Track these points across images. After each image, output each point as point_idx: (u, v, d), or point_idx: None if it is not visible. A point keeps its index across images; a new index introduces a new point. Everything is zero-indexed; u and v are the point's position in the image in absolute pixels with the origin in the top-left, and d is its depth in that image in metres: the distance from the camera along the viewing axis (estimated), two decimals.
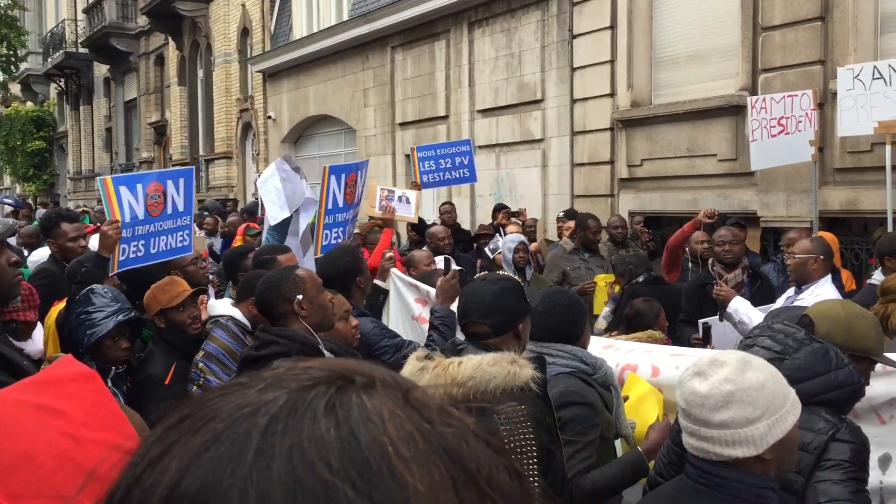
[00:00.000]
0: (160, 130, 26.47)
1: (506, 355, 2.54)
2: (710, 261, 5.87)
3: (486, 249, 7.61)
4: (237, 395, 0.54)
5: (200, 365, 3.63)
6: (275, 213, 5.72)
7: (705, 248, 6.59)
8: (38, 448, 1.12)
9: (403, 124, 14.48)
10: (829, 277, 4.75)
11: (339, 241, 5.69)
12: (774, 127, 6.82)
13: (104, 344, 3.60)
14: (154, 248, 4.96)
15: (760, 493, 1.92)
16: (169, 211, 5.05)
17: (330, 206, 5.70)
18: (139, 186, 4.89)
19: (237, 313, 4.03)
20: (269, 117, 19.00)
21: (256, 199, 12.63)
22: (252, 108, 20.01)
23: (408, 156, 14.21)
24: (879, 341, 2.72)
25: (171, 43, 24.38)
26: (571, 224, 8.43)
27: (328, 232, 5.67)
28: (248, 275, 4.53)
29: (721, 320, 4.60)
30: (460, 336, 2.99)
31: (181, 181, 5.16)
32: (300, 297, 3.09)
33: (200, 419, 0.53)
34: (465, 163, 8.66)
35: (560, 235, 8.51)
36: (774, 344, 2.51)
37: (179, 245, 5.07)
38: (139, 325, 3.90)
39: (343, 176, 5.87)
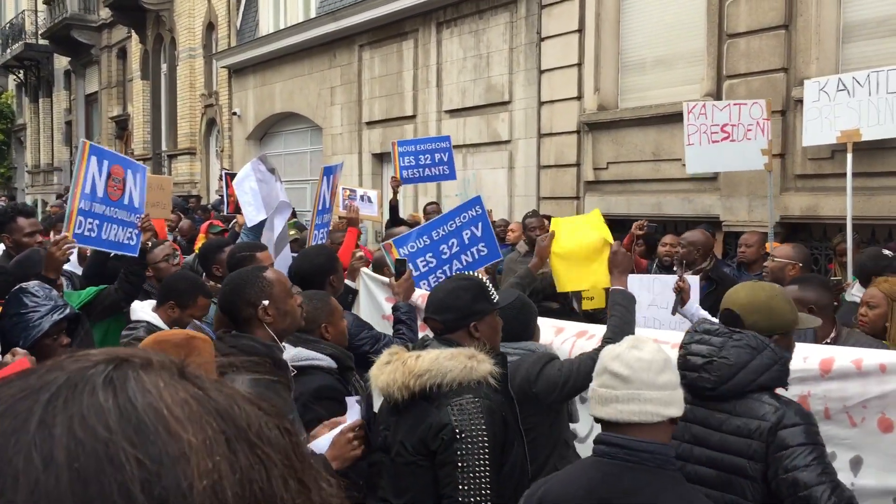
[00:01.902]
0: (122, 125, 26.07)
1: (465, 351, 2.68)
2: (680, 262, 6.00)
3: None
4: (20, 381, 0.56)
5: None
6: (251, 215, 5.66)
7: (666, 251, 6.75)
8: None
9: (370, 123, 14.43)
10: None
11: (324, 241, 5.67)
12: (716, 133, 6.95)
13: (44, 343, 3.39)
14: (105, 234, 4.84)
15: (669, 460, 2.16)
16: (125, 201, 4.96)
17: (320, 207, 5.68)
18: (105, 163, 4.80)
19: (155, 318, 3.98)
20: (234, 113, 18.82)
21: (220, 195, 12.53)
22: (217, 103, 19.80)
23: (375, 154, 14.21)
24: (794, 311, 2.87)
25: (135, 36, 24.02)
26: (515, 226, 8.52)
27: (317, 233, 5.64)
28: (168, 277, 4.47)
29: (673, 314, 4.67)
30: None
31: (138, 175, 5.08)
32: (266, 302, 2.85)
33: None
34: (445, 160, 8.66)
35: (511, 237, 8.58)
36: (702, 348, 2.67)
37: (126, 241, 4.96)
38: (77, 318, 3.78)
39: (331, 177, 5.86)
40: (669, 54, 9.39)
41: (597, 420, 2.27)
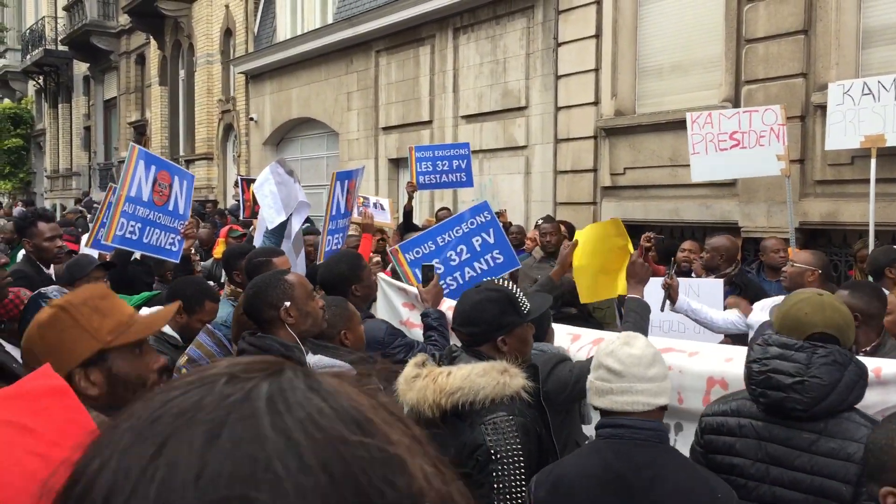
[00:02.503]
0: (140, 130, 26.25)
1: (497, 365, 2.59)
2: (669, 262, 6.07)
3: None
4: (215, 390, 0.57)
5: (183, 371, 3.60)
6: (272, 218, 5.69)
7: (684, 257, 6.77)
8: (4, 468, 1.06)
9: (387, 128, 14.46)
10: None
11: (339, 246, 5.68)
12: (724, 141, 6.93)
13: None
14: (147, 238, 4.91)
15: (667, 436, 2.54)
16: (170, 207, 5.03)
17: (333, 212, 5.70)
18: (153, 168, 4.87)
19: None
20: (252, 119, 18.90)
21: (237, 200, 12.59)
22: (234, 109, 19.90)
23: (391, 160, 14.23)
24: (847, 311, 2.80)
25: (153, 42, 24.20)
26: (533, 234, 8.49)
27: (330, 238, 5.65)
28: (174, 283, 4.50)
29: (661, 310, 4.69)
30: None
31: (185, 183, 5.14)
32: (287, 303, 2.95)
33: (179, 414, 0.55)
34: (463, 167, 8.67)
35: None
36: (788, 365, 2.52)
37: (168, 247, 5.04)
38: None
39: (346, 182, 5.88)
40: (687, 59, 9.35)
41: (595, 408, 2.57)
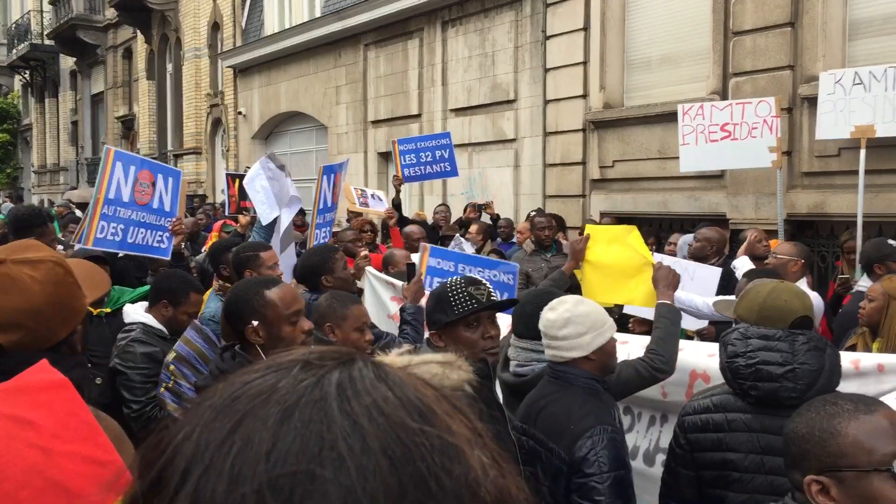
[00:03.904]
0: (128, 124, 26.13)
1: (441, 356, 2.46)
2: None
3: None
4: (288, 374, 0.61)
5: (171, 367, 3.57)
6: (264, 213, 5.67)
7: (672, 250, 6.81)
8: (5, 461, 1.07)
9: (376, 122, 14.43)
10: (804, 280, 4.92)
11: (327, 240, 5.67)
12: (715, 132, 6.95)
13: None
14: (131, 238, 4.89)
15: (588, 382, 2.83)
16: (154, 205, 5.01)
17: (321, 206, 5.68)
18: (132, 169, 4.85)
19: (149, 319, 3.98)
20: (240, 113, 18.84)
21: (224, 195, 12.55)
22: (222, 103, 19.82)
23: (381, 153, 14.21)
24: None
25: (140, 36, 24.07)
26: (522, 227, 8.50)
27: (318, 231, 5.64)
28: (158, 277, 4.49)
29: None
30: None
31: (170, 180, 5.12)
32: (255, 323, 2.67)
33: (256, 395, 0.59)
34: (446, 156, 8.67)
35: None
36: (774, 355, 2.55)
37: (156, 244, 5.02)
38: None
39: (332, 176, 5.86)
40: (675, 52, 9.36)
41: None
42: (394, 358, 2.53)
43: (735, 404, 2.65)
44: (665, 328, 3.40)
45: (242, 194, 9.48)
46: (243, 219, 8.89)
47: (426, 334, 3.17)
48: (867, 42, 7.60)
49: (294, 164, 16.65)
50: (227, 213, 10.86)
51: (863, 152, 6.57)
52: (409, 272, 4.65)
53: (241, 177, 9.90)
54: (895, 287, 3.85)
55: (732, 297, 4.90)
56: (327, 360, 0.62)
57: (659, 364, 3.24)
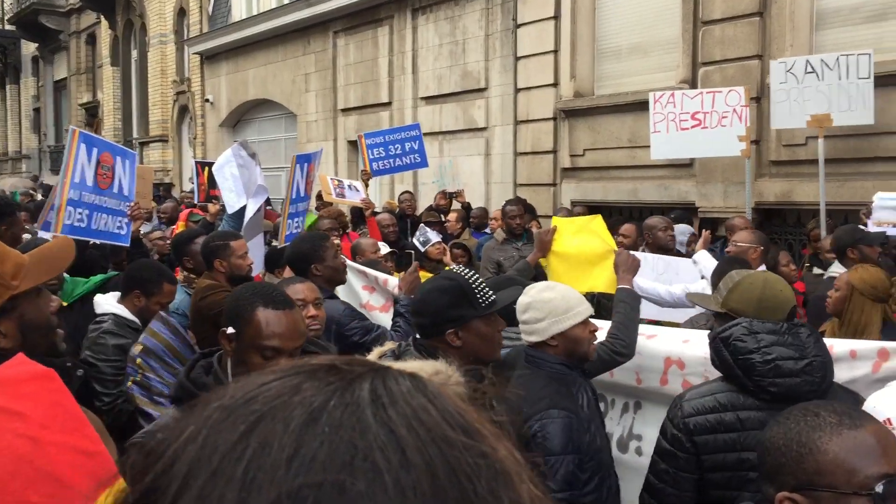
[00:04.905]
0: (92, 111, 25.69)
1: (429, 366, 2.30)
2: (642, 249, 6.10)
3: (415, 241, 7.22)
4: (315, 376, 0.55)
5: (138, 361, 3.49)
6: (232, 201, 5.59)
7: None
8: None
9: (346, 110, 14.33)
10: (763, 267, 4.95)
11: (299, 230, 5.62)
12: (686, 120, 7.00)
13: None
14: (95, 224, 4.79)
15: (555, 367, 2.86)
16: (115, 189, 4.90)
17: (294, 196, 5.62)
18: (95, 151, 4.74)
19: (121, 310, 3.92)
20: (207, 100, 18.61)
21: (193, 184, 12.40)
22: (189, 90, 19.56)
23: (351, 142, 14.12)
24: None
25: (104, 22, 23.64)
26: (497, 213, 8.50)
27: (290, 222, 5.58)
28: (131, 266, 4.42)
29: None
30: None
31: (127, 162, 5.02)
32: (230, 330, 2.30)
33: (276, 396, 0.53)
34: (416, 148, 8.64)
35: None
36: (787, 350, 2.47)
37: (116, 230, 4.92)
38: None
39: (306, 165, 5.80)
40: (645, 41, 9.40)
41: None
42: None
43: (745, 402, 2.51)
44: (625, 313, 3.44)
45: (212, 182, 9.37)
46: (213, 207, 8.79)
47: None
48: (834, 32, 7.69)
49: (262, 153, 16.43)
50: (196, 202, 10.71)
51: (821, 142, 6.65)
52: (404, 262, 4.59)
53: (211, 164, 9.79)
54: (859, 277, 3.87)
55: (701, 286, 4.95)
56: (357, 366, 0.56)
57: (619, 348, 3.28)
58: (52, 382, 1.19)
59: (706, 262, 4.77)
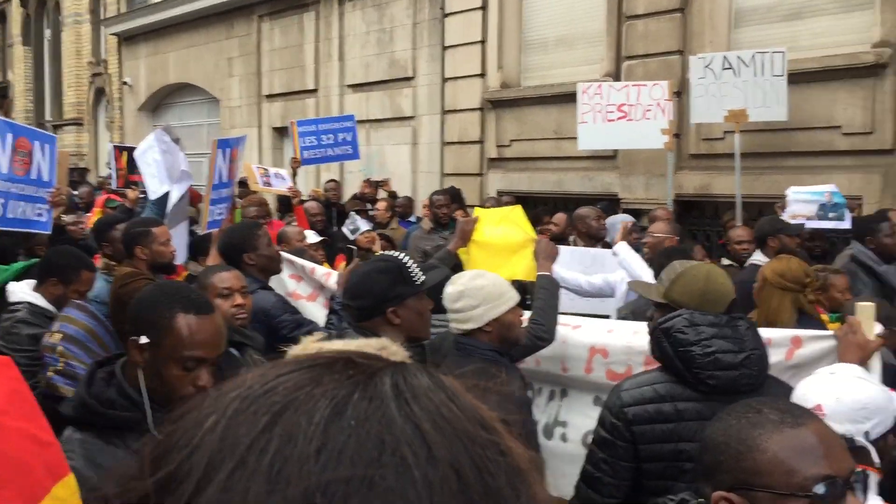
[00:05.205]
0: (2, 92, 24.60)
1: (375, 341, 2.39)
2: (572, 238, 6.20)
3: (345, 229, 7.20)
4: (335, 370, 0.54)
5: (59, 349, 3.36)
6: (154, 187, 5.44)
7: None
8: None
9: (271, 96, 14.10)
10: None
11: (223, 217, 5.50)
12: (612, 112, 7.14)
13: None
14: (11, 213, 4.61)
15: (487, 353, 2.89)
16: (33, 175, 4.71)
17: (216, 182, 5.49)
18: (10, 136, 4.54)
19: (36, 298, 3.79)
20: (125, 83, 18.03)
21: (111, 168, 12.01)
22: (106, 72, 18.91)
23: (276, 129, 13.89)
24: None
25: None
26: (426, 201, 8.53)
27: (213, 208, 5.45)
28: (48, 253, 4.30)
29: None
30: None
31: (47, 147, 4.83)
32: (143, 339, 2.04)
33: (297, 387, 0.52)
34: (349, 139, 8.58)
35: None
36: (726, 343, 2.50)
37: (36, 217, 4.74)
38: None
39: (228, 151, 5.68)
40: (571, 34, 9.52)
41: None
42: (316, 344, 2.43)
43: (684, 393, 2.53)
44: (545, 299, 3.50)
45: (131, 168, 9.10)
46: (132, 193, 8.55)
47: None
48: (751, 30, 7.94)
49: (183, 138, 16.04)
50: (114, 188, 10.38)
51: (737, 136, 6.87)
52: (336, 253, 4.53)
53: (130, 149, 9.49)
54: (771, 268, 3.98)
55: (621, 276, 5.05)
56: (374, 360, 0.55)
57: (541, 333, 3.33)
58: (10, 370, 1.17)
59: (626, 254, 4.86)
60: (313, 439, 0.48)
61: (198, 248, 5.29)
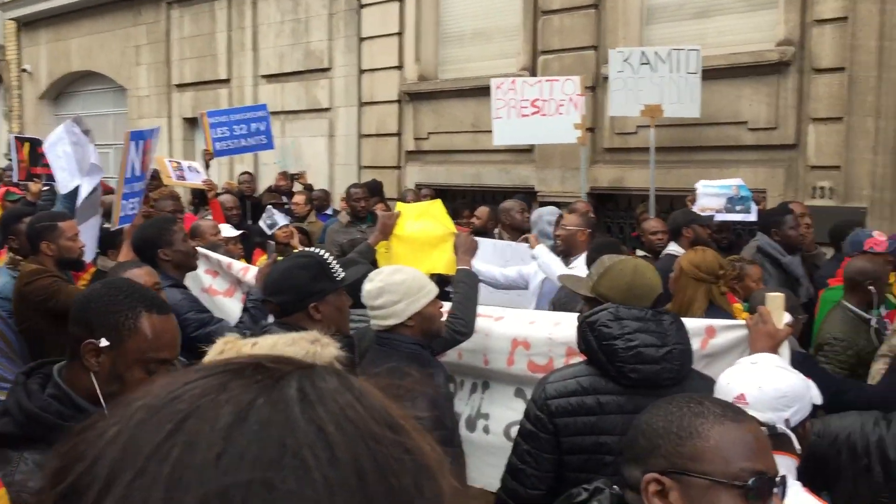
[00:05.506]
0: None
1: (307, 334, 2.41)
2: (497, 231, 6.23)
3: (262, 224, 7.00)
4: (242, 374, 0.54)
5: None
6: (65, 181, 5.21)
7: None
8: None
9: (181, 86, 13.70)
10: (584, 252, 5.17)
11: (135, 211, 5.30)
12: (526, 108, 7.22)
13: None
14: None
15: (411, 347, 2.90)
16: None
17: (128, 175, 5.29)
18: None
19: None
20: (25, 70, 17.23)
21: (10, 160, 11.45)
22: (4, 58, 18.02)
23: (187, 119, 13.52)
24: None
25: None
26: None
27: (125, 202, 5.25)
28: None
29: None
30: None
31: None
32: (105, 343, 1.87)
33: (202, 394, 0.52)
34: (263, 129, 8.43)
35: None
36: (650, 338, 2.52)
37: None
38: None
39: (141, 143, 5.47)
40: (488, 28, 9.58)
41: None
42: (262, 340, 2.37)
43: (606, 386, 2.55)
44: (464, 292, 3.52)
45: (33, 160, 8.70)
46: (34, 186, 8.20)
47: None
48: (662, 26, 8.15)
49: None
50: (15, 180, 9.90)
51: (652, 131, 7.04)
52: (254, 248, 4.42)
53: (32, 140, 9.07)
54: (687, 259, 4.08)
55: (534, 269, 5.11)
56: (284, 364, 0.55)
57: (459, 327, 3.34)
58: None
59: (544, 256, 4.90)
60: (214, 445, 0.48)
61: (107, 242, 5.10)
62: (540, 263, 4.87)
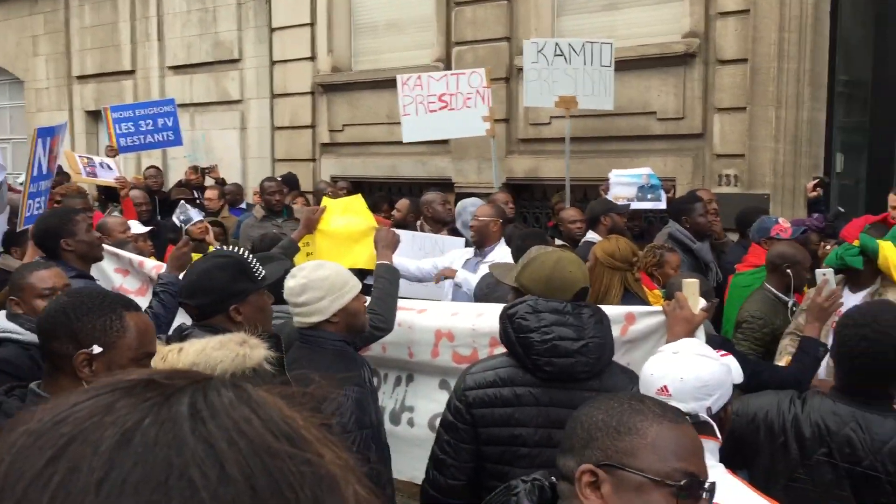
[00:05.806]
0: None
1: (234, 336, 2.41)
2: (419, 223, 6.23)
3: (175, 219, 6.80)
4: (132, 392, 0.52)
5: None
6: None
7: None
8: None
9: (82, 77, 13.16)
10: (503, 240, 5.22)
11: (40, 211, 5.06)
12: (434, 103, 7.22)
13: None
14: None
15: (336, 343, 2.91)
16: None
17: (35, 173, 5.04)
18: None
19: None
20: None
21: None
22: None
23: (89, 112, 13.01)
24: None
25: None
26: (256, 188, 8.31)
27: (31, 202, 5.00)
28: None
29: None
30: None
31: None
32: (98, 350, 1.96)
33: (88, 417, 0.50)
34: (170, 125, 8.16)
35: None
36: (567, 331, 2.52)
37: None
38: None
39: (48, 140, 5.22)
40: (401, 19, 9.53)
41: None
42: (188, 345, 2.28)
43: (523, 378, 2.55)
44: (383, 287, 3.52)
45: None
46: None
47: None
48: (574, 18, 8.27)
49: None
50: None
51: (568, 122, 7.15)
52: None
53: None
54: (601, 248, 4.17)
55: (449, 260, 5.14)
56: (177, 379, 0.54)
57: (378, 322, 3.32)
58: None
59: (465, 277, 4.85)
60: (96, 470, 0.47)
61: (10, 239, 4.86)
62: (466, 289, 4.81)
